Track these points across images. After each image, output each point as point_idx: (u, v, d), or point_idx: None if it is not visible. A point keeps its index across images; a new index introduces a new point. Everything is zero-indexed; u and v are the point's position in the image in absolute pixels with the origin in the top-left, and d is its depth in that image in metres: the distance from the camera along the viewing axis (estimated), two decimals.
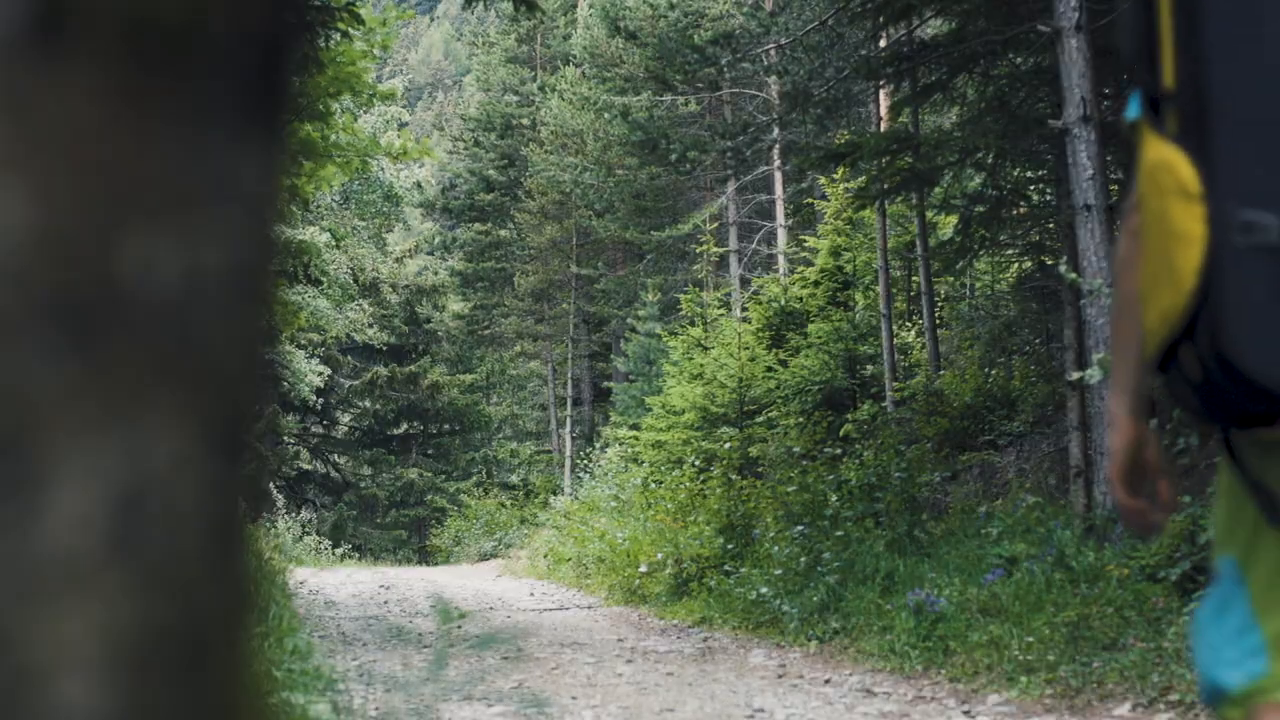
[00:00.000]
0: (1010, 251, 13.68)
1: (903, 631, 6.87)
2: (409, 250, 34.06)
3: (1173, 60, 1.50)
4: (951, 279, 14.14)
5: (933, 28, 12.47)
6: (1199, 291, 1.42)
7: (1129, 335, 1.64)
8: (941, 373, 12.62)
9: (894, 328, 12.83)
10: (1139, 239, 1.57)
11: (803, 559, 8.95)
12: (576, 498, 19.90)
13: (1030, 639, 5.89)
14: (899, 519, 8.79)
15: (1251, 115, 1.42)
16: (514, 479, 29.53)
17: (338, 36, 10.18)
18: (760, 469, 13.31)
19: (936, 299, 14.19)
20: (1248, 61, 1.42)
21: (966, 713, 5.24)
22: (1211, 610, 1.55)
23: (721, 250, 22.36)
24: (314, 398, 28.18)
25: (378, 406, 31.84)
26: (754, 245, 22.81)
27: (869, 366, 13.56)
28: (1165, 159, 1.49)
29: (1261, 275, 1.39)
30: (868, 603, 7.70)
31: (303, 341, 27.92)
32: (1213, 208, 1.42)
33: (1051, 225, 11.92)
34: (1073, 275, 6.56)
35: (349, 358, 32.02)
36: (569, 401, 29.12)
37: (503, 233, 31.35)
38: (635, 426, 18.99)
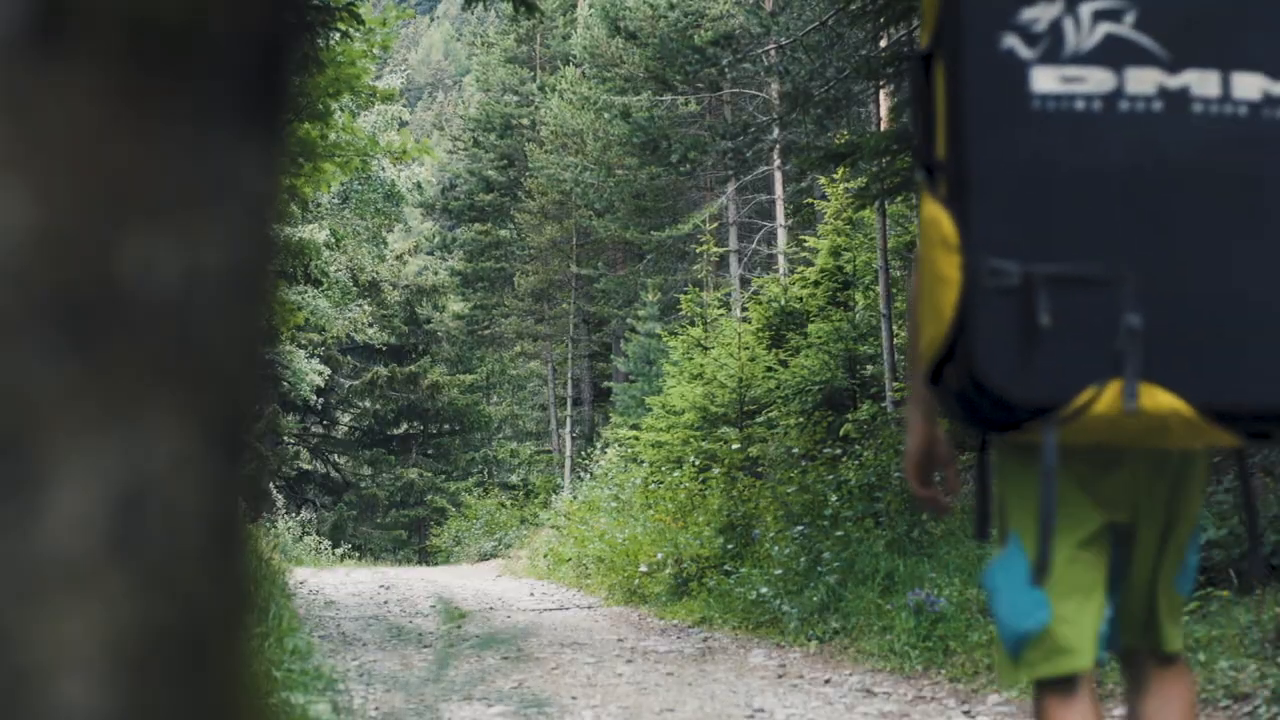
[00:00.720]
0: None
1: (903, 631, 6.87)
2: (409, 250, 34.07)
3: (944, 138, 1.90)
4: None
5: None
6: (956, 323, 1.82)
7: (917, 357, 2.01)
8: None
9: (894, 328, 12.83)
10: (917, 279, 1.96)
11: (803, 559, 8.95)
12: (576, 497, 19.90)
13: None
14: (899, 519, 8.79)
15: (997, 185, 1.84)
16: (514, 479, 29.54)
17: (338, 36, 10.18)
18: (760, 469, 13.31)
19: None
20: (995, 144, 1.84)
21: (966, 713, 5.24)
22: (1003, 575, 2.09)
23: (721, 250, 22.36)
24: (314, 398, 28.18)
25: (378, 406, 31.85)
26: (754, 245, 22.81)
27: (869, 366, 13.56)
28: (934, 216, 1.89)
29: (1003, 311, 1.79)
30: (868, 603, 7.70)
31: (303, 341, 27.93)
32: (967, 257, 1.82)
33: None
34: None
35: (349, 358, 32.03)
36: (569, 401, 29.13)
37: (503, 233, 31.35)
38: (635, 426, 18.99)
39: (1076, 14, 1.89)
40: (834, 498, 9.62)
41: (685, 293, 21.41)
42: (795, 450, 12.33)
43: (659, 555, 11.50)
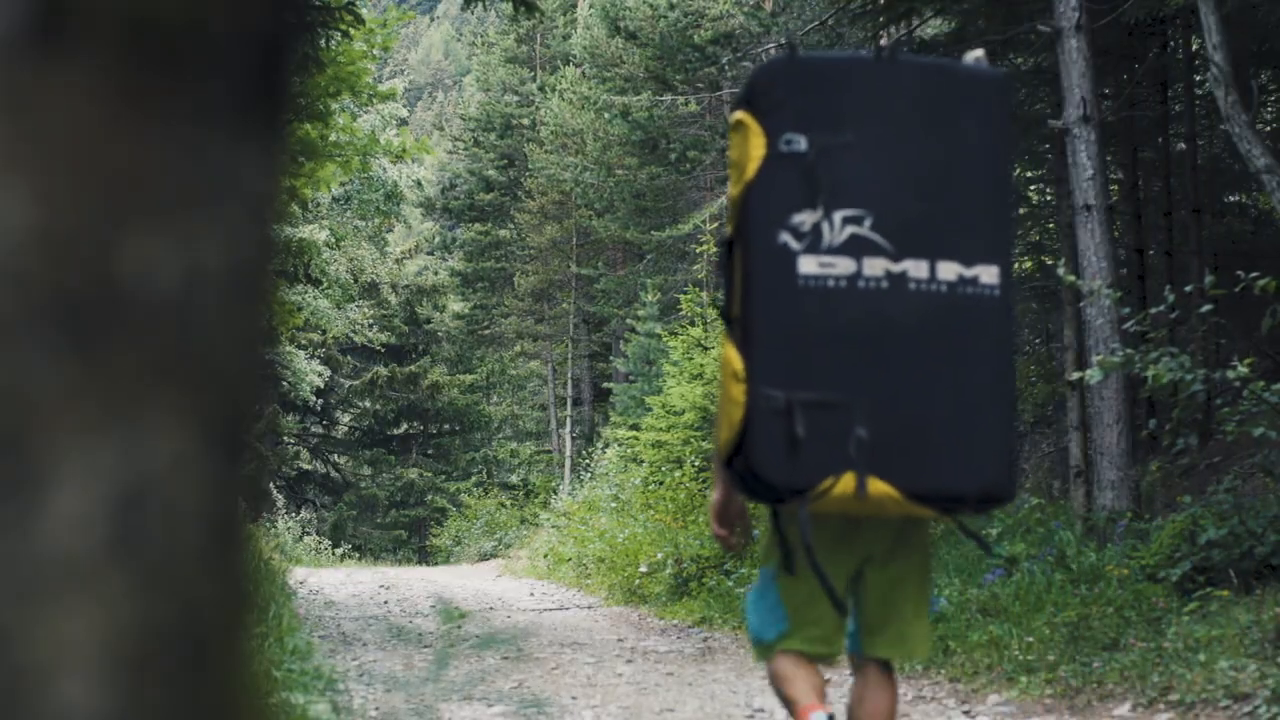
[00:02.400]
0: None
1: None
2: (409, 250, 34.07)
3: (738, 301, 2.75)
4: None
5: (933, 28, 12.46)
6: (742, 431, 2.68)
7: (718, 449, 2.87)
8: None
9: None
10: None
11: None
12: (576, 497, 19.90)
13: (1030, 639, 5.89)
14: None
15: (772, 338, 2.69)
16: (514, 479, 29.53)
17: (338, 36, 10.18)
18: None
19: None
20: (772, 309, 2.68)
21: (966, 713, 5.24)
22: (756, 597, 3.05)
23: None
24: (314, 398, 28.18)
25: (378, 406, 31.85)
26: None
27: None
28: (730, 356, 2.74)
29: (773, 425, 2.65)
30: None
31: (303, 341, 27.92)
32: (750, 387, 2.67)
33: (1051, 225, 11.92)
34: (1070, 278, 6.56)
35: (349, 358, 32.03)
36: (569, 401, 29.13)
37: (503, 233, 31.35)
38: (635, 426, 18.98)
39: (831, 219, 2.76)
40: None
41: (685, 293, 21.40)
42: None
43: (659, 555, 11.50)
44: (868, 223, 2.77)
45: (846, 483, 2.72)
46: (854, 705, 3.11)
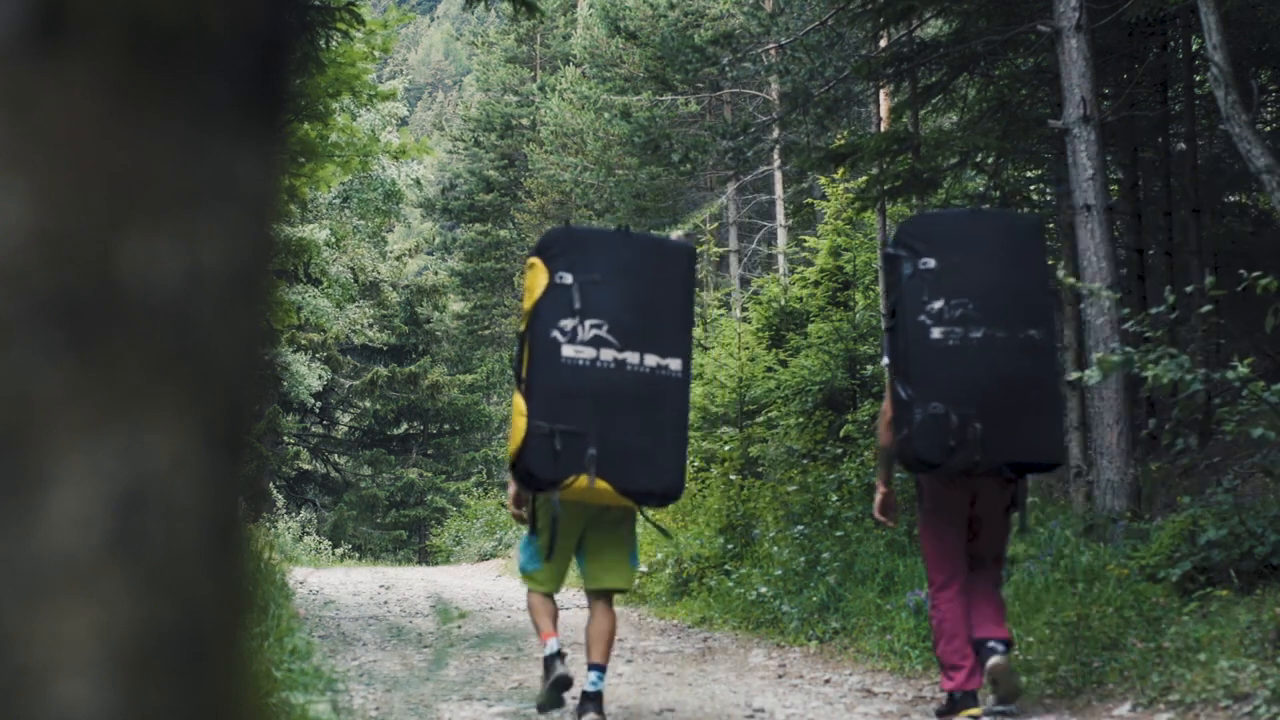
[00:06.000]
0: None
1: (903, 631, 6.87)
2: (409, 250, 34.06)
3: (525, 368, 4.75)
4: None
5: (933, 28, 12.46)
6: (522, 447, 4.70)
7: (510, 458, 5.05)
8: None
9: None
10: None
11: (803, 559, 8.95)
12: None
13: (1030, 639, 5.89)
14: (899, 519, 8.78)
15: (543, 393, 4.69)
16: None
17: (338, 37, 10.18)
18: (760, 469, 13.31)
19: None
20: (544, 377, 4.69)
21: None
22: (525, 544, 5.11)
23: (721, 250, 22.35)
24: (313, 399, 28.17)
25: (378, 406, 31.83)
26: (754, 245, 22.81)
27: (869, 366, 13.55)
28: (518, 401, 4.75)
29: (541, 443, 4.68)
30: (867, 603, 7.70)
31: (303, 342, 27.90)
32: (529, 420, 4.68)
33: (1051, 225, 11.92)
34: (1069, 280, 6.56)
35: (349, 358, 32.01)
36: None
37: (503, 233, 31.33)
38: None
39: (584, 324, 4.70)
40: (834, 498, 9.62)
41: None
42: (795, 450, 12.31)
43: (659, 555, 11.50)
44: (605, 328, 4.73)
45: (583, 480, 4.67)
46: (588, 626, 5.00)
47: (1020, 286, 4.90)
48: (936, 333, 4.78)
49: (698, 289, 23.31)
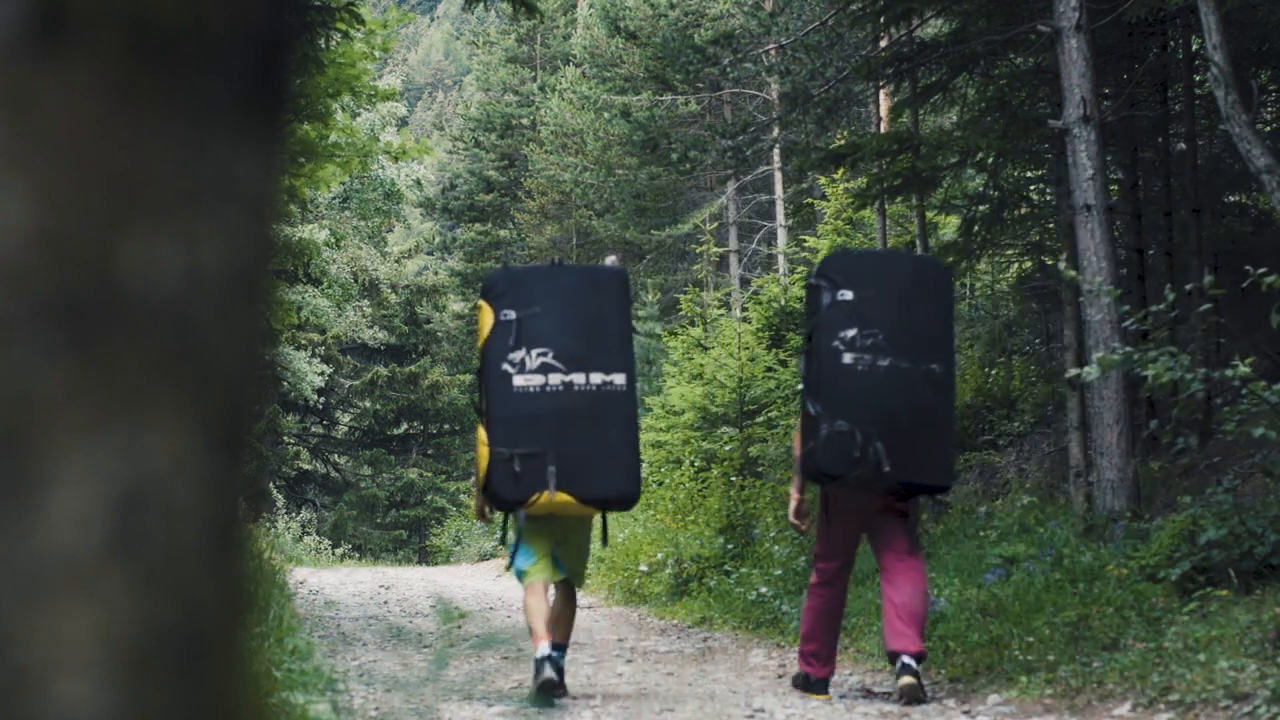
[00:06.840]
0: (1010, 251, 13.68)
1: None
2: (409, 250, 34.06)
3: (484, 400, 5.46)
4: (952, 279, 14.09)
5: (933, 28, 12.46)
6: (488, 471, 5.38)
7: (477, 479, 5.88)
8: None
9: None
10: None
11: (803, 559, 8.95)
12: None
13: (1030, 639, 5.89)
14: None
15: (502, 422, 5.36)
16: None
17: (338, 37, 10.18)
18: (760, 469, 13.31)
19: None
20: (501, 406, 5.38)
21: (966, 713, 5.24)
22: (511, 550, 5.68)
23: (721, 250, 22.35)
24: (314, 398, 28.17)
25: (378, 406, 31.83)
26: (754, 245, 22.80)
27: None
28: (481, 431, 5.45)
29: (504, 466, 5.33)
30: (867, 603, 7.70)
31: (303, 341, 27.89)
32: (491, 448, 5.35)
33: (1051, 225, 11.92)
34: (1072, 273, 6.56)
35: (349, 358, 32.01)
36: None
37: (503, 233, 31.34)
38: None
39: (530, 355, 5.32)
40: None
41: (685, 293, 21.40)
42: (795, 450, 12.27)
43: (659, 555, 11.50)
44: (550, 355, 5.30)
45: (546, 496, 5.28)
46: (553, 608, 5.55)
47: (926, 323, 5.40)
48: (848, 358, 5.32)
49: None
